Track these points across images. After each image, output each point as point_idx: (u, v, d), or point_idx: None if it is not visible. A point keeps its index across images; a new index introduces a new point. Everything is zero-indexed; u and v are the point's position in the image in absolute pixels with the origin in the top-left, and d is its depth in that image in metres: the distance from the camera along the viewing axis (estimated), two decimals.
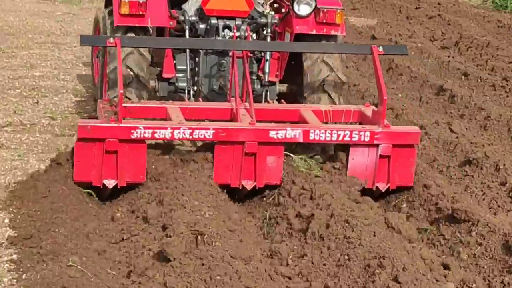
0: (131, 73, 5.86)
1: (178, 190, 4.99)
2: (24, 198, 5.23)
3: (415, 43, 10.55)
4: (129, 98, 5.80)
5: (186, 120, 5.45)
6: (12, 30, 10.68)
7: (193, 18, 6.13)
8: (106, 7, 6.49)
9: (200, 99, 6.16)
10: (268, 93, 6.27)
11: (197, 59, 6.17)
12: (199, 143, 5.70)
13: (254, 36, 6.31)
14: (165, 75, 6.22)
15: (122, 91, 5.18)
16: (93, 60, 7.44)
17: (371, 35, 11.37)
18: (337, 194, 5.21)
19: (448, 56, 10.12)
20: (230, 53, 5.93)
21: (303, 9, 6.00)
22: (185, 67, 6.10)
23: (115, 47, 5.34)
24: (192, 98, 6.07)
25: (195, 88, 6.16)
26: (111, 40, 5.36)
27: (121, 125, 5.15)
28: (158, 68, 6.34)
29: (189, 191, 4.98)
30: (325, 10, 6.01)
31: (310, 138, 5.44)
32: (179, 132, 5.24)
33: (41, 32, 10.31)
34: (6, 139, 6.60)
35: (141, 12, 5.78)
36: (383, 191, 5.63)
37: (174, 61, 6.24)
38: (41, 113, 7.31)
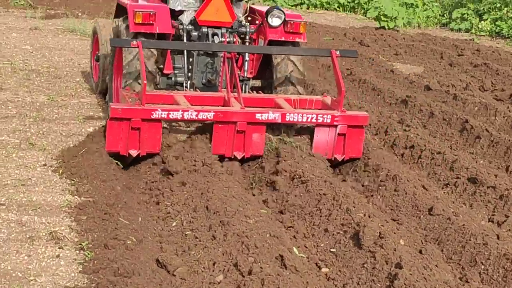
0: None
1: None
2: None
3: (472, 95, 9.83)
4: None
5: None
6: (59, 72, 10.09)
7: (189, 27, 7.49)
8: (115, 17, 8.12)
9: (193, 90, 7.48)
10: (247, 86, 7.72)
11: (191, 59, 7.49)
12: (195, 125, 6.97)
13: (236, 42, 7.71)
14: (165, 71, 7.55)
15: (145, 82, 6.43)
16: (92, 63, 9.35)
17: (424, 85, 10.61)
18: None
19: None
20: (220, 54, 7.39)
21: (275, 21, 7.35)
22: (181, 65, 7.55)
23: (137, 47, 6.65)
24: (187, 89, 7.42)
25: (189, 81, 7.49)
26: (134, 42, 6.65)
27: (144, 107, 6.38)
28: (159, 66, 7.53)
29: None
30: (292, 22, 7.48)
31: (286, 119, 6.81)
32: (188, 114, 6.51)
33: (88, 75, 9.52)
34: None
35: (151, 22, 7.04)
36: (340, 160, 7.08)
37: (172, 61, 7.59)
38: None
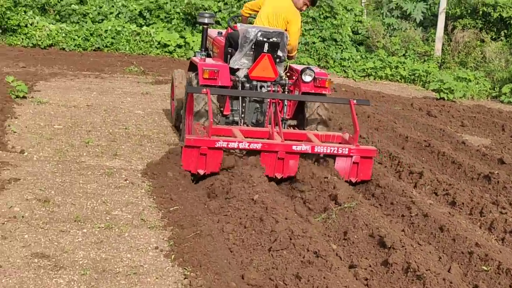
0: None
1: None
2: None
3: None
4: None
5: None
6: (167, 137, 8.81)
7: (243, 79, 7.80)
8: (189, 70, 8.49)
9: (245, 126, 7.78)
10: (285, 125, 7.94)
11: (244, 104, 7.84)
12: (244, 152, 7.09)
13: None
14: (225, 113, 7.88)
15: (211, 120, 6.84)
16: (171, 102, 9.81)
17: (497, 159, 9.00)
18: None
19: None
20: (266, 100, 7.76)
21: (307, 78, 7.74)
22: (237, 108, 7.90)
23: (206, 94, 7.09)
24: (242, 126, 7.71)
25: (243, 120, 7.85)
26: (204, 89, 7.10)
27: (210, 139, 6.72)
28: (221, 108, 7.82)
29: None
30: (320, 79, 7.80)
31: (315, 151, 7.07)
32: (242, 144, 6.85)
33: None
34: None
35: (215, 77, 7.43)
36: (354, 182, 7.26)
37: (230, 105, 7.93)
38: None
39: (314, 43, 17.95)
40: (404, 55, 18.39)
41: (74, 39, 16.88)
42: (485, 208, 6.66)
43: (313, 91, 7.77)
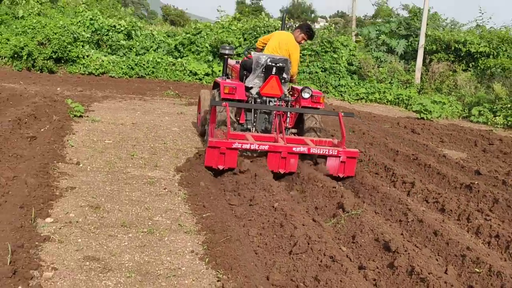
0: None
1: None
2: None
3: None
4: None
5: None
6: (200, 150, 8.16)
7: (255, 95, 7.87)
8: (213, 88, 8.69)
9: (256, 133, 7.84)
10: (287, 132, 7.95)
11: (255, 115, 7.95)
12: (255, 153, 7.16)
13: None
14: (240, 122, 7.96)
15: (229, 127, 6.92)
16: (198, 115, 9.85)
17: (474, 171, 8.50)
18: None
19: None
20: (273, 113, 7.84)
21: (306, 95, 7.84)
22: (250, 118, 7.98)
23: (225, 106, 7.13)
24: (254, 132, 7.79)
25: (254, 128, 7.96)
26: (224, 103, 7.14)
27: (228, 141, 6.74)
28: (237, 118, 7.92)
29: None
30: (316, 96, 7.88)
31: (311, 152, 7.06)
32: (253, 146, 6.84)
33: None
34: None
35: (233, 92, 7.61)
36: (341, 177, 7.22)
37: (245, 116, 8.01)
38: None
39: (317, 72, 17.52)
40: (390, 82, 17.93)
41: (121, 68, 16.55)
42: (471, 215, 6.17)
43: (310, 106, 7.91)
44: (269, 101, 7.87)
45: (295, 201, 6.34)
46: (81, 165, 6.89)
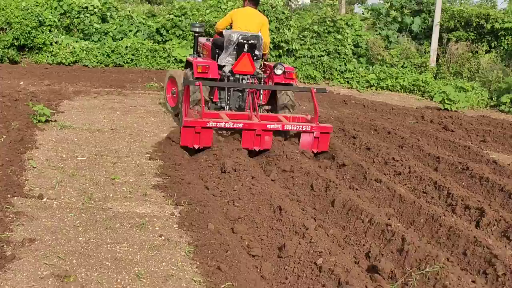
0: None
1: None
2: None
3: None
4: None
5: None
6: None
7: (228, 74, 8.07)
8: (185, 68, 8.86)
9: (230, 111, 7.95)
10: (261, 109, 8.28)
11: (229, 93, 8.16)
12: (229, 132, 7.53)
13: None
14: (214, 100, 8.21)
15: (203, 106, 7.17)
16: (166, 96, 9.94)
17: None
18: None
19: None
20: (246, 90, 8.05)
21: (278, 71, 8.06)
22: (223, 97, 8.21)
23: (199, 86, 7.40)
24: (228, 110, 7.98)
25: (228, 106, 8.14)
26: (197, 82, 7.41)
27: (202, 120, 6.95)
28: (211, 97, 8.13)
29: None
30: (288, 72, 8.11)
31: (285, 128, 7.32)
32: (228, 124, 7.08)
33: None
34: None
35: (207, 71, 7.84)
36: (315, 152, 7.52)
37: (218, 94, 8.24)
38: None
39: (320, 56, 15.98)
40: (403, 66, 16.46)
41: (96, 56, 14.87)
42: None
43: (283, 82, 8.07)
44: (242, 79, 8.09)
45: (341, 246, 4.86)
46: (44, 199, 5.32)
